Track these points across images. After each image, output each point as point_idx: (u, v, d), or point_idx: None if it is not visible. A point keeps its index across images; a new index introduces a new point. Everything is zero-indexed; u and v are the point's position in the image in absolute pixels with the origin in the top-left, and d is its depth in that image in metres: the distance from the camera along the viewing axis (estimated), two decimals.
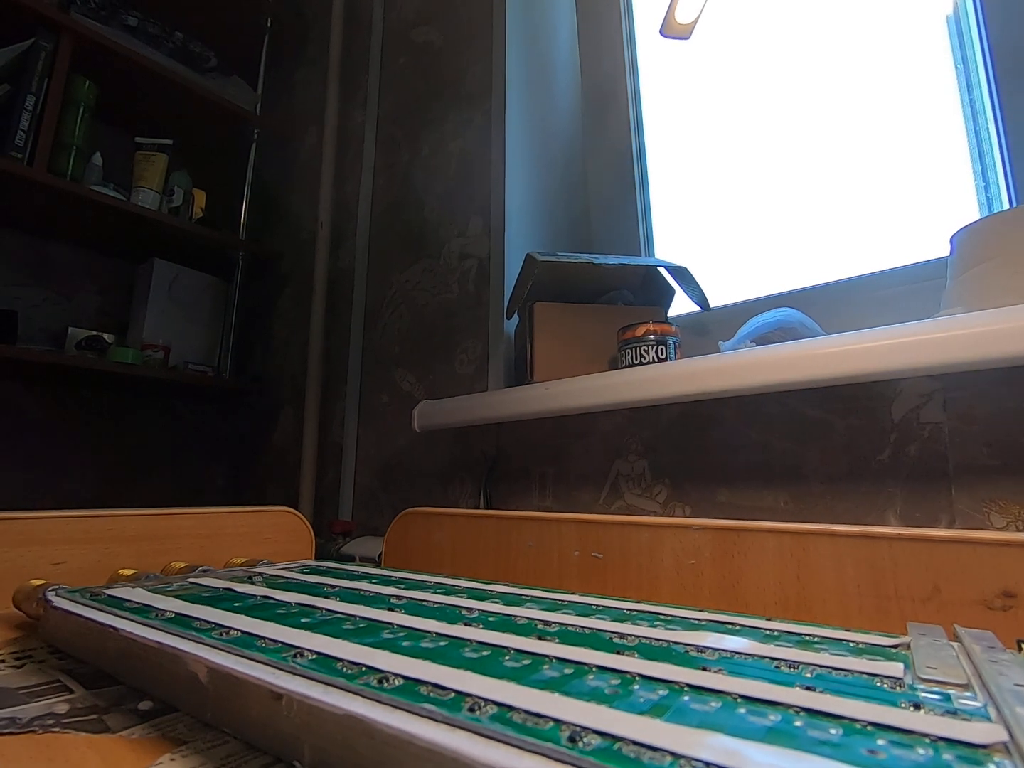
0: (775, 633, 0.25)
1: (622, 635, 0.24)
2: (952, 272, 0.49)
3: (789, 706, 0.17)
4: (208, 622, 0.25)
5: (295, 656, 0.20)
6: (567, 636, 0.24)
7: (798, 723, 0.15)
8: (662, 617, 0.28)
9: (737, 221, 0.81)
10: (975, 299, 0.46)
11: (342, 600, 0.30)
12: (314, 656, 0.20)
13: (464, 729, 0.15)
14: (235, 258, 1.28)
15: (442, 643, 0.22)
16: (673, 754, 0.13)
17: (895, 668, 0.20)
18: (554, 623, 0.26)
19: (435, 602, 0.31)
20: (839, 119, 0.73)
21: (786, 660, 0.21)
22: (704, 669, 0.20)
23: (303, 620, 0.26)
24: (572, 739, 0.14)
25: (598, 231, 0.92)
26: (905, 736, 0.15)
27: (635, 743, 0.14)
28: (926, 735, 0.15)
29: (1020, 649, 0.26)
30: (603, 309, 0.71)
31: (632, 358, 0.62)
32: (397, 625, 0.25)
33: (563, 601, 0.32)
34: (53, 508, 0.42)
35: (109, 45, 1.03)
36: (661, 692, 0.18)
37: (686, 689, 0.18)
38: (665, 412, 0.63)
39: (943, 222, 0.62)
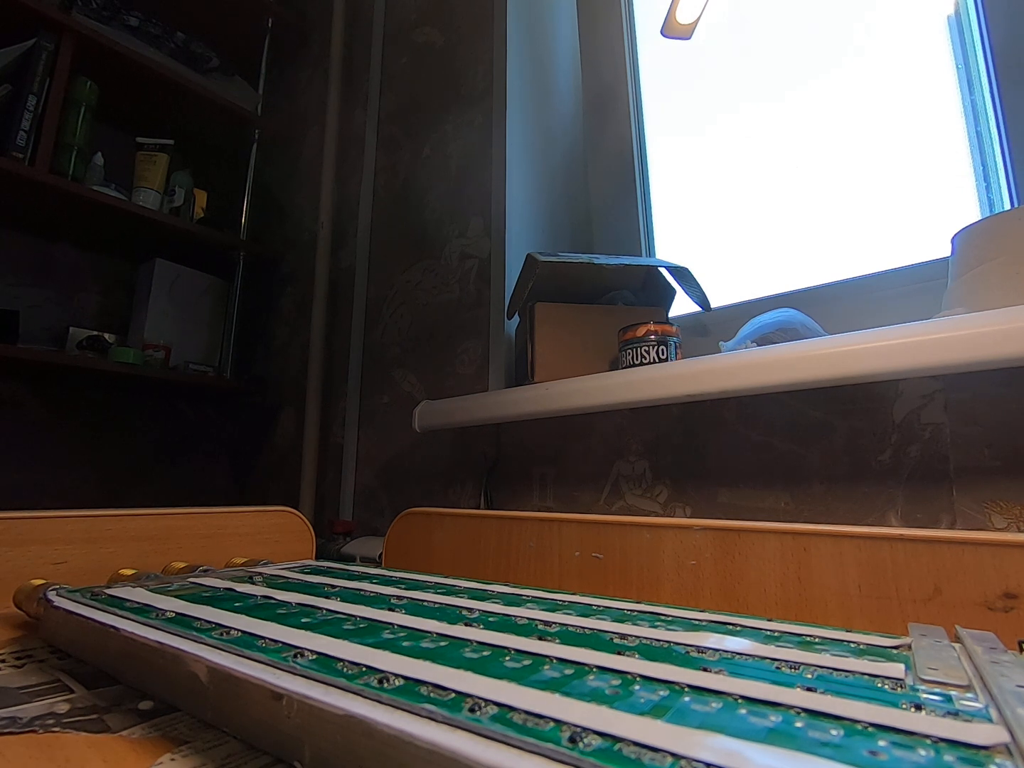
0: (776, 634, 0.25)
1: (623, 636, 0.24)
2: (953, 272, 0.49)
3: (790, 707, 0.16)
4: (209, 622, 0.25)
5: (295, 656, 0.20)
6: (568, 636, 0.24)
7: (799, 724, 0.15)
8: (663, 618, 0.28)
9: (738, 221, 0.80)
10: (976, 299, 0.46)
11: (343, 600, 0.30)
12: (314, 656, 0.20)
13: (464, 729, 0.15)
14: (236, 258, 1.28)
15: (442, 643, 0.22)
16: (674, 755, 0.13)
17: (896, 669, 0.20)
18: (555, 623, 0.26)
19: (435, 602, 0.31)
20: (840, 119, 0.73)
21: (787, 661, 0.21)
22: (705, 670, 0.20)
23: (304, 620, 0.26)
24: (572, 740, 0.14)
25: (599, 231, 0.92)
26: (906, 737, 0.15)
27: (636, 744, 0.14)
28: (927, 736, 0.15)
29: (1021, 650, 0.26)
30: (604, 309, 0.71)
31: (633, 358, 0.62)
32: (397, 625, 0.25)
33: (564, 601, 0.32)
34: (53, 508, 0.42)
35: (111, 45, 1.04)
36: (662, 693, 0.18)
37: (687, 690, 0.18)
38: (666, 412, 0.63)
39: (944, 222, 0.62)
